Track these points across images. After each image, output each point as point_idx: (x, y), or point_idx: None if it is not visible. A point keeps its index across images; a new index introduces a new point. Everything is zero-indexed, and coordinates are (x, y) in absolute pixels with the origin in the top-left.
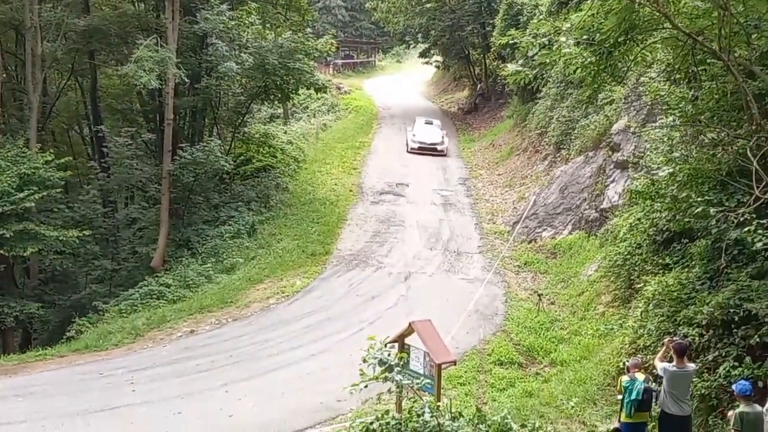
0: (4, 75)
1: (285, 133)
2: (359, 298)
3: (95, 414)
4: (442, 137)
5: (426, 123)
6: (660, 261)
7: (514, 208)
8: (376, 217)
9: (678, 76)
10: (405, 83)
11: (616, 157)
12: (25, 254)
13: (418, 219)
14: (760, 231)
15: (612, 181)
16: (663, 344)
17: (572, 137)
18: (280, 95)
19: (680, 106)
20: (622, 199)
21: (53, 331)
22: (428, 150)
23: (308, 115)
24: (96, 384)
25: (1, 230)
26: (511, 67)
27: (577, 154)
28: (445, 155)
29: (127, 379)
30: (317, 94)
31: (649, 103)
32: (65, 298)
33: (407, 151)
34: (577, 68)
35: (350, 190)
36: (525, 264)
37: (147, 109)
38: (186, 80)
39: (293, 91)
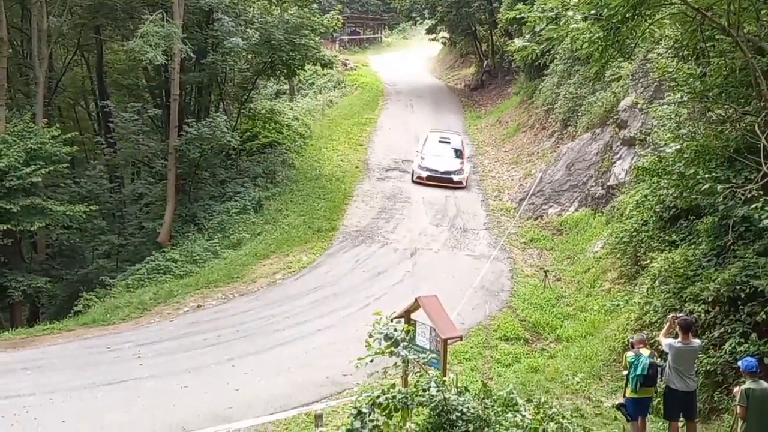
0: (10, 50)
1: (291, 109)
2: (365, 274)
3: (103, 387)
4: (461, 163)
5: (441, 141)
6: (666, 238)
7: (521, 184)
8: (383, 194)
9: (686, 52)
10: (411, 60)
11: (623, 134)
12: (32, 229)
13: (424, 195)
14: (767, 208)
15: (619, 158)
16: (667, 321)
17: (579, 114)
18: (286, 71)
19: (688, 82)
20: (629, 176)
21: (61, 305)
22: (440, 181)
23: (314, 92)
24: (103, 358)
25: (9, 205)
26: (518, 42)
27: (584, 131)
28: (463, 187)
29: (134, 353)
30: (323, 70)
31: (657, 79)
32: (72, 272)
33: (412, 181)
34: (585, 44)
35: (356, 167)
36: (531, 241)
37: (153, 85)
38: (192, 56)
39: (299, 67)
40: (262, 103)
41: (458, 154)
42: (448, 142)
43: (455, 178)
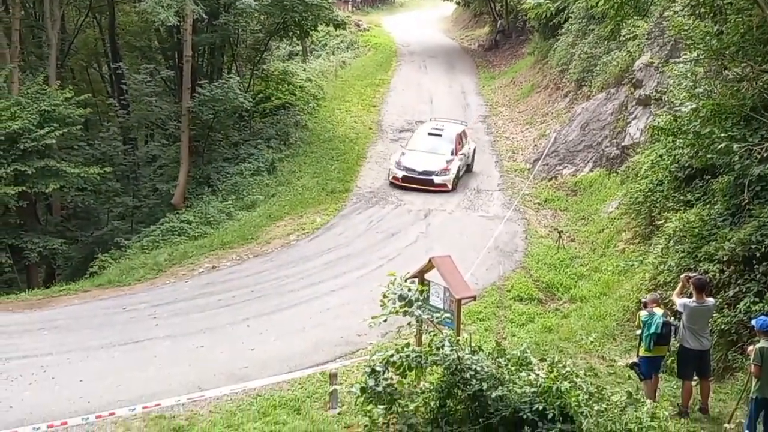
0: (22, 12)
1: (304, 70)
2: (379, 235)
3: (119, 347)
4: (448, 162)
5: (432, 133)
6: (681, 198)
7: (535, 145)
8: None
9: (703, 10)
10: (425, 20)
11: (638, 94)
12: (47, 191)
13: None
14: None
15: (634, 118)
16: (680, 280)
17: (594, 74)
18: (298, 32)
19: (705, 40)
20: (644, 135)
21: (76, 266)
22: (418, 182)
23: (327, 53)
24: (119, 318)
25: (24, 167)
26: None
27: (599, 90)
28: (448, 191)
29: (149, 314)
30: (336, 31)
31: (673, 38)
32: (88, 234)
33: (389, 183)
34: (600, 1)
35: (369, 128)
36: (545, 201)
37: (165, 47)
38: (204, 16)
39: (312, 28)
40: (274, 65)
41: (451, 148)
42: (440, 135)
43: (437, 179)
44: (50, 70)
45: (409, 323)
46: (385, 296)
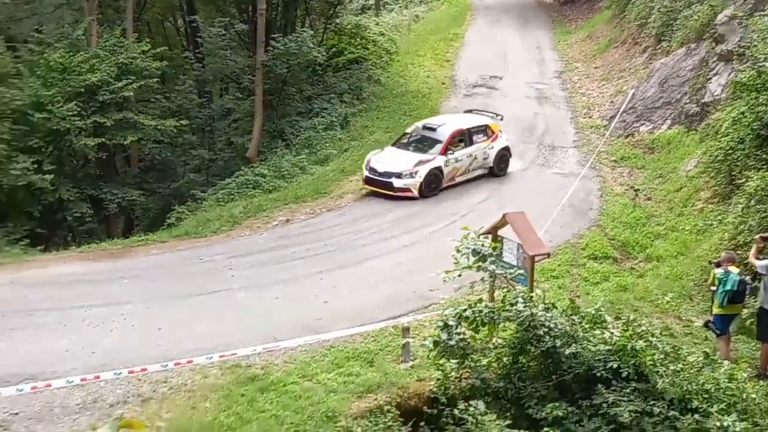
0: None
1: (377, 24)
2: (451, 191)
3: (196, 297)
4: (417, 164)
5: (427, 126)
6: (764, 156)
7: (611, 102)
8: None
9: None
10: None
11: (719, 49)
12: (125, 143)
13: (511, 112)
14: None
15: (715, 74)
16: (754, 242)
17: (674, 28)
18: None
19: None
20: (725, 92)
21: (154, 218)
22: (378, 185)
23: (400, 7)
24: (196, 269)
25: (102, 119)
26: None
27: (679, 46)
28: (415, 198)
29: (225, 265)
30: None
31: None
32: (165, 186)
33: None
34: None
35: (442, 83)
36: (621, 159)
37: (239, 0)
38: None
39: None
40: (347, 19)
41: (437, 147)
42: (434, 129)
43: (397, 183)
44: (127, 23)
45: (482, 279)
46: (458, 251)
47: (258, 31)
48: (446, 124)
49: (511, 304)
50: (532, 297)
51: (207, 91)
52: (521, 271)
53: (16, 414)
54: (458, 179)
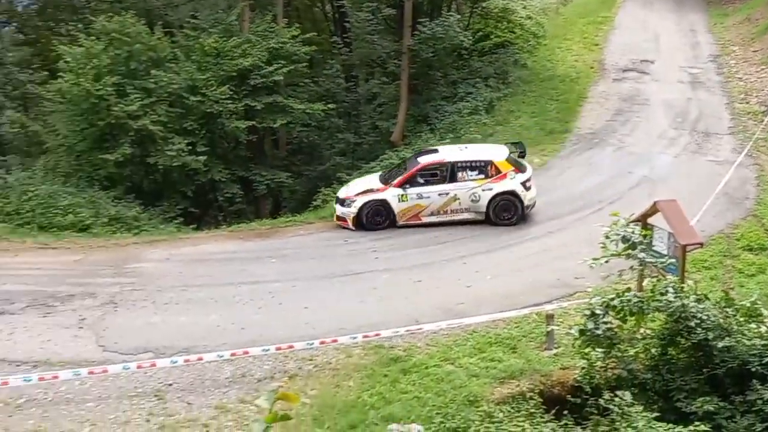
0: None
1: (524, 7)
2: (599, 177)
3: (340, 278)
4: (358, 194)
5: (426, 150)
6: None
7: None
8: (619, 95)
9: None
10: None
11: None
12: (274, 126)
13: (663, 97)
14: None
15: None
16: None
17: None
18: None
19: None
20: None
21: (301, 200)
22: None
23: None
24: (341, 250)
25: (253, 102)
26: None
27: None
28: (348, 228)
29: (369, 247)
30: None
31: None
32: (311, 169)
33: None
34: None
35: (591, 67)
36: None
37: None
38: None
39: None
40: (494, 2)
41: (396, 178)
42: (415, 157)
43: (338, 210)
44: (277, 8)
45: (631, 267)
46: (607, 237)
47: (405, 15)
48: (434, 153)
49: (662, 294)
50: (683, 287)
51: (353, 76)
52: (672, 261)
53: (170, 385)
54: (427, 219)
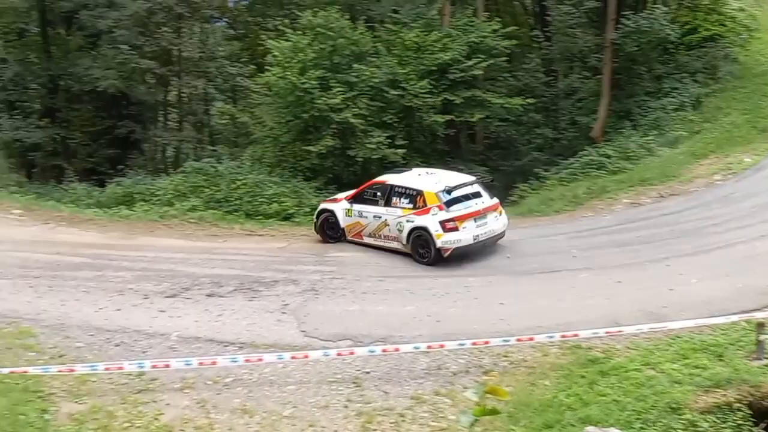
0: None
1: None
2: None
3: (538, 275)
4: (327, 198)
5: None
6: None
7: None
8: None
9: None
10: None
11: None
12: (472, 120)
13: None
14: None
15: None
16: None
17: None
18: None
19: None
20: None
21: (497, 194)
22: None
23: None
24: (538, 247)
25: (452, 96)
26: None
27: None
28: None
29: (567, 245)
30: None
31: None
32: (508, 164)
33: None
34: None
35: None
36: None
37: None
38: None
39: None
40: None
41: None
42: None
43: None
44: (478, 2)
45: None
46: None
47: (609, 8)
48: (401, 173)
49: None
50: None
51: (553, 70)
52: None
53: (368, 373)
54: (366, 239)
